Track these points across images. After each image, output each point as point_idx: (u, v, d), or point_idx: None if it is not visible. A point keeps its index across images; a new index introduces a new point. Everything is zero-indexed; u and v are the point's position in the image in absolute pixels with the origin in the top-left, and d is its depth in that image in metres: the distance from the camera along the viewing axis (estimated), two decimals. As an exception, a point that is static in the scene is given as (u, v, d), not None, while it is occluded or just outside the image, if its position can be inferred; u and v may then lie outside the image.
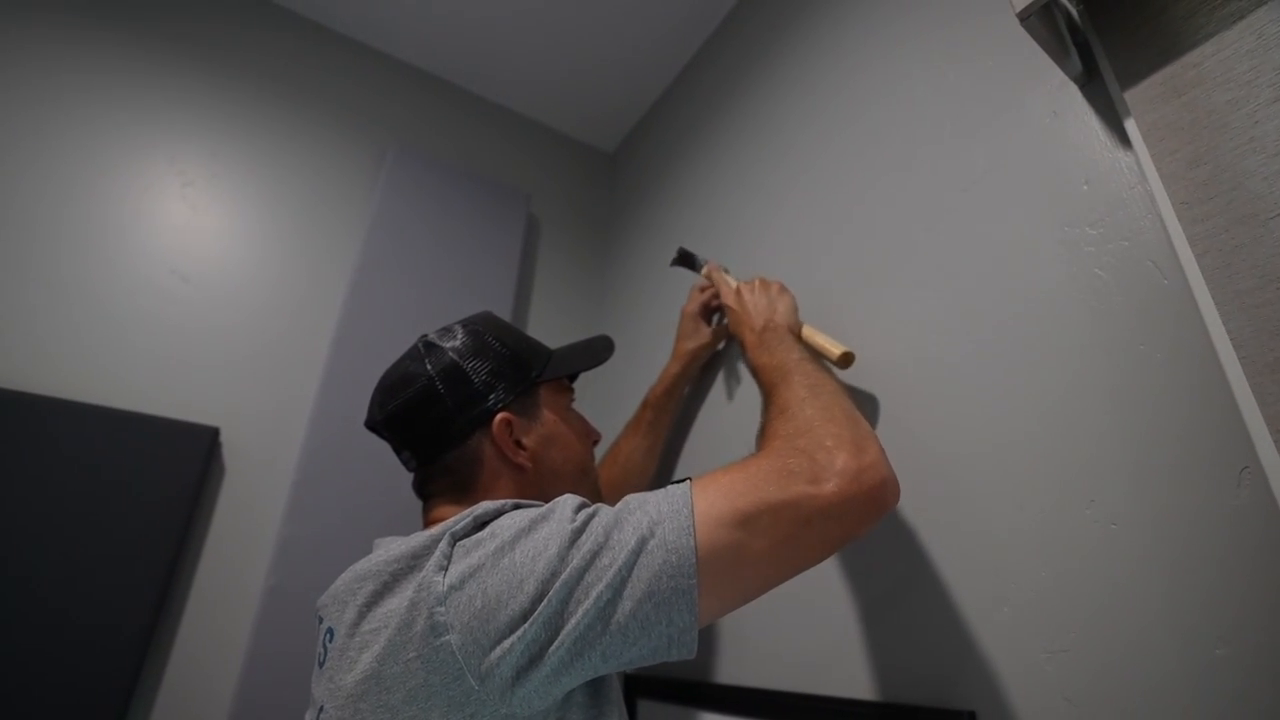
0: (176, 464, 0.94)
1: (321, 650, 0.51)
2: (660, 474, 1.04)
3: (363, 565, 0.51)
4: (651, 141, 1.55)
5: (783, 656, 0.77)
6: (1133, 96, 0.55)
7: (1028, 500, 0.57)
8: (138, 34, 1.17)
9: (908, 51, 0.84)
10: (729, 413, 0.98)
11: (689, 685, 0.88)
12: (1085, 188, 0.59)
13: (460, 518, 0.48)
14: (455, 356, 0.63)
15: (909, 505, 0.67)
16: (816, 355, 0.72)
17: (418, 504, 1.06)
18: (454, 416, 0.61)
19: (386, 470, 1.04)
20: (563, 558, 0.43)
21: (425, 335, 0.66)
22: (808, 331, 0.76)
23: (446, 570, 0.44)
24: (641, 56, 1.45)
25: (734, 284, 0.85)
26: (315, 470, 1.01)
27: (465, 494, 0.61)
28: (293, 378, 1.09)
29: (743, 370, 0.97)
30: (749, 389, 0.94)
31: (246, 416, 1.04)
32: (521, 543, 0.44)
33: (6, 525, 0.83)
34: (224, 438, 1.00)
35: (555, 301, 1.47)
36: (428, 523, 0.62)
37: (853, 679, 0.67)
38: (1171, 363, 0.50)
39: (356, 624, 0.47)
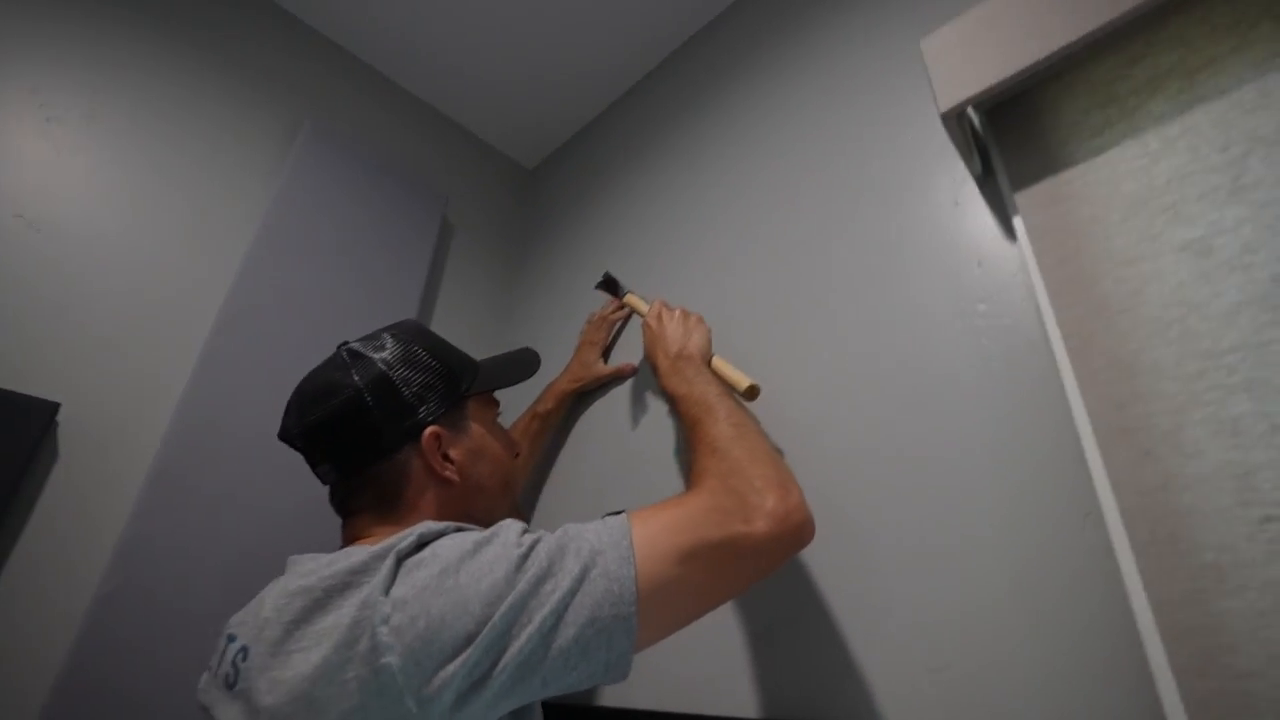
0: (-4, 442, 0.79)
1: (231, 670, 0.48)
2: (537, 485, 1.15)
3: (290, 581, 0.49)
4: (573, 166, 1.57)
5: (678, 677, 0.79)
6: (1021, 199, 0.67)
7: (905, 532, 0.65)
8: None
9: (833, 118, 0.94)
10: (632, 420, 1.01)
11: (590, 711, 0.88)
12: (978, 269, 0.70)
13: (404, 535, 0.47)
14: (384, 367, 0.61)
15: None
16: (727, 388, 0.75)
17: (298, 514, 0.97)
18: (382, 428, 0.59)
19: (265, 473, 0.94)
20: (509, 581, 0.44)
21: (347, 343, 0.64)
22: (717, 362, 0.79)
23: (390, 589, 0.43)
24: (576, 81, 1.48)
25: (656, 305, 0.87)
26: (178, 465, 0.89)
27: (390, 509, 0.58)
28: (160, 358, 0.96)
29: (643, 389, 1.00)
30: (650, 406, 0.97)
31: (96, 395, 0.89)
32: (466, 565, 0.44)
33: None
34: (63, 415, 0.85)
35: (461, 310, 1.42)
36: (349, 540, 0.58)
37: (744, 698, 0.71)
38: (1038, 424, 0.60)
39: (282, 642, 0.44)
